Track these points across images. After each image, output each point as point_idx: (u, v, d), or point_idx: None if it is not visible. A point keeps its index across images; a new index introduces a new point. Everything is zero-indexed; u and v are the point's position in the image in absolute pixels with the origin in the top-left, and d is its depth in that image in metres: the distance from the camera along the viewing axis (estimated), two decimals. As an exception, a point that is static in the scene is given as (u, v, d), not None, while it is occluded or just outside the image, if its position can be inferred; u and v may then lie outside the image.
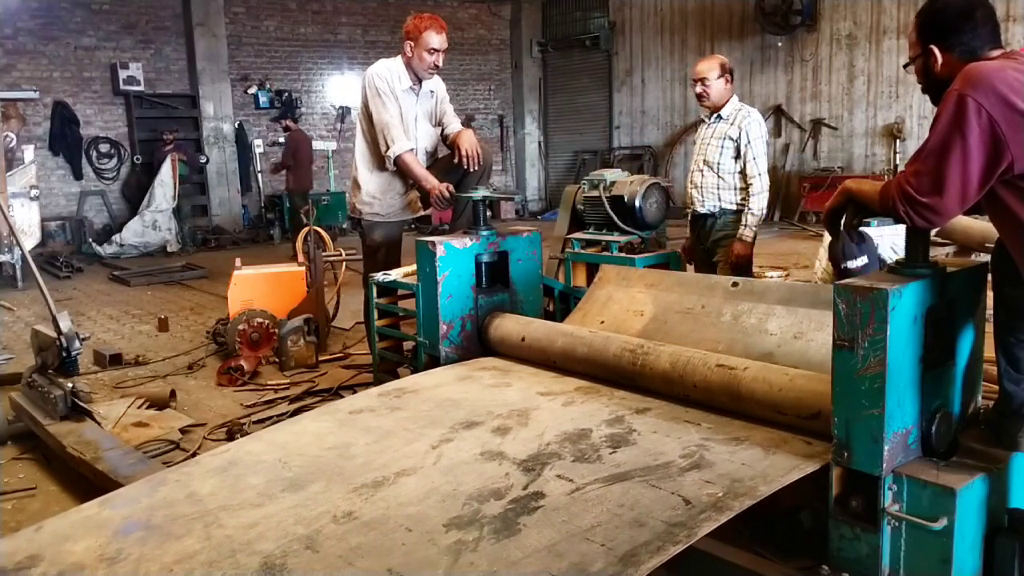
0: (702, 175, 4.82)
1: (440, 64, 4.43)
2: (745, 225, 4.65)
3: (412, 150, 4.41)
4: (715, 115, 4.82)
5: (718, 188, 4.77)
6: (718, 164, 4.74)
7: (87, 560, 2.22)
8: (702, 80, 4.78)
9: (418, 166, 4.43)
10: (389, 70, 4.42)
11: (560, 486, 2.39)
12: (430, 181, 4.33)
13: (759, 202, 4.65)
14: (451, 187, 4.29)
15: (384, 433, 2.92)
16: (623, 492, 2.32)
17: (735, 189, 4.74)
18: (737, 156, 4.69)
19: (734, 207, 4.74)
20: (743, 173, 4.69)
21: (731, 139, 4.70)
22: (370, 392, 3.40)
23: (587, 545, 2.07)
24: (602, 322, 3.65)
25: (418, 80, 4.48)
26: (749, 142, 4.65)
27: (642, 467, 2.45)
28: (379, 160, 4.52)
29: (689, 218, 5.01)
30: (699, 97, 4.84)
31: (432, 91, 4.60)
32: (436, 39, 4.34)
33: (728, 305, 3.31)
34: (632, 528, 2.13)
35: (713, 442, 2.58)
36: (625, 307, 3.65)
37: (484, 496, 2.36)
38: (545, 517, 2.23)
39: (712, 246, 4.84)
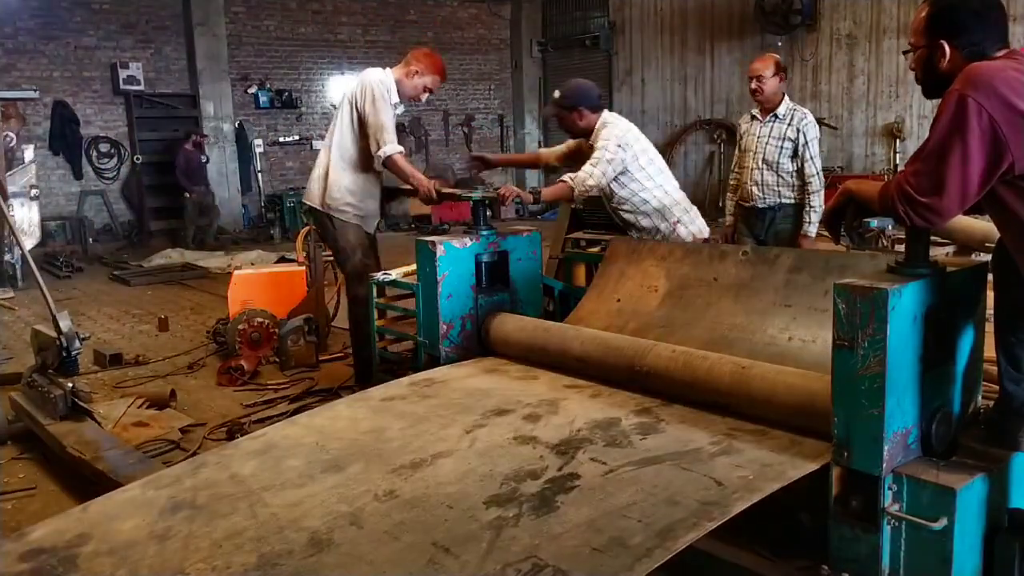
0: (761, 173, 5.12)
1: (422, 100, 4.76)
2: (809, 222, 5.00)
3: (403, 152, 4.49)
4: (770, 115, 5.10)
5: (778, 185, 5.09)
6: (777, 163, 5.06)
7: (137, 538, 2.27)
8: (757, 77, 5.06)
9: (409, 165, 4.51)
10: (386, 81, 4.51)
11: (594, 468, 2.45)
12: (419, 178, 4.42)
13: (819, 199, 5.00)
14: (440, 186, 4.36)
15: (418, 419, 2.98)
16: (656, 474, 2.38)
17: (792, 186, 5.07)
18: (794, 155, 5.02)
19: (792, 201, 5.08)
20: (800, 171, 5.02)
21: (790, 139, 5.02)
22: (400, 381, 3.46)
23: (625, 521, 2.13)
24: (618, 300, 3.68)
25: (401, 98, 4.61)
26: (807, 142, 4.99)
27: (673, 452, 2.52)
28: (364, 161, 4.55)
29: (740, 209, 5.33)
30: (753, 93, 5.14)
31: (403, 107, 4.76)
32: (438, 84, 4.64)
33: (742, 276, 3.33)
34: (667, 506, 2.19)
35: (740, 432, 2.63)
36: (639, 283, 3.66)
37: (520, 476, 2.44)
38: (582, 496, 2.29)
39: (771, 238, 5.12)
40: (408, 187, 4.50)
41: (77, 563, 2.17)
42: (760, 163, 5.10)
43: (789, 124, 5.01)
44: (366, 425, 2.98)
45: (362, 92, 4.45)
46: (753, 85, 5.07)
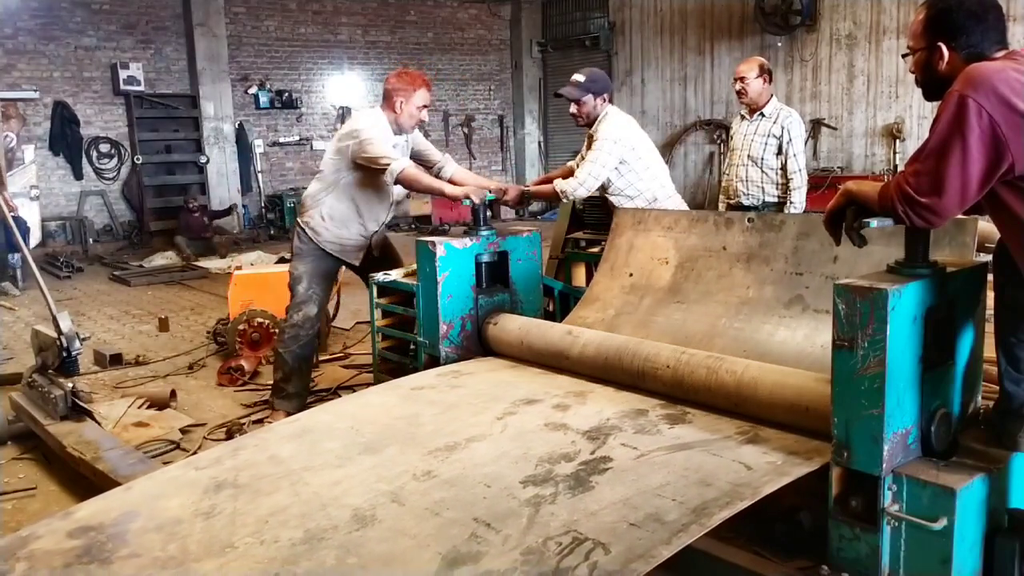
0: (747, 170, 5.21)
1: (425, 119, 4.39)
2: None
3: (413, 165, 4.20)
4: (757, 113, 5.21)
5: (762, 182, 5.19)
6: (762, 159, 5.15)
7: (183, 515, 2.33)
8: (741, 79, 5.19)
9: (425, 175, 4.23)
10: (382, 120, 4.25)
11: (625, 452, 2.52)
12: (450, 188, 4.12)
13: (800, 196, 5.10)
14: (482, 192, 4.01)
15: (448, 406, 3.05)
16: (686, 458, 2.45)
17: (776, 183, 5.15)
18: (779, 152, 5.12)
19: (775, 199, 5.17)
20: (784, 168, 5.11)
21: (775, 136, 5.11)
22: (428, 372, 3.52)
23: (659, 500, 2.20)
24: (631, 275, 3.72)
25: (399, 132, 4.32)
26: (791, 140, 5.08)
27: (701, 440, 2.58)
28: (343, 194, 4.32)
29: (726, 207, 5.41)
30: (739, 94, 5.27)
31: (407, 139, 4.44)
32: (426, 96, 4.28)
33: (750, 244, 3.35)
34: (699, 487, 2.26)
35: (765, 424, 2.68)
36: (649, 254, 3.70)
37: (555, 459, 2.50)
38: (616, 477, 2.36)
39: None
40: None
41: (127, 539, 2.22)
42: (746, 159, 5.20)
43: (775, 122, 5.12)
44: (398, 411, 3.05)
45: (346, 137, 4.23)
46: (738, 87, 5.21)
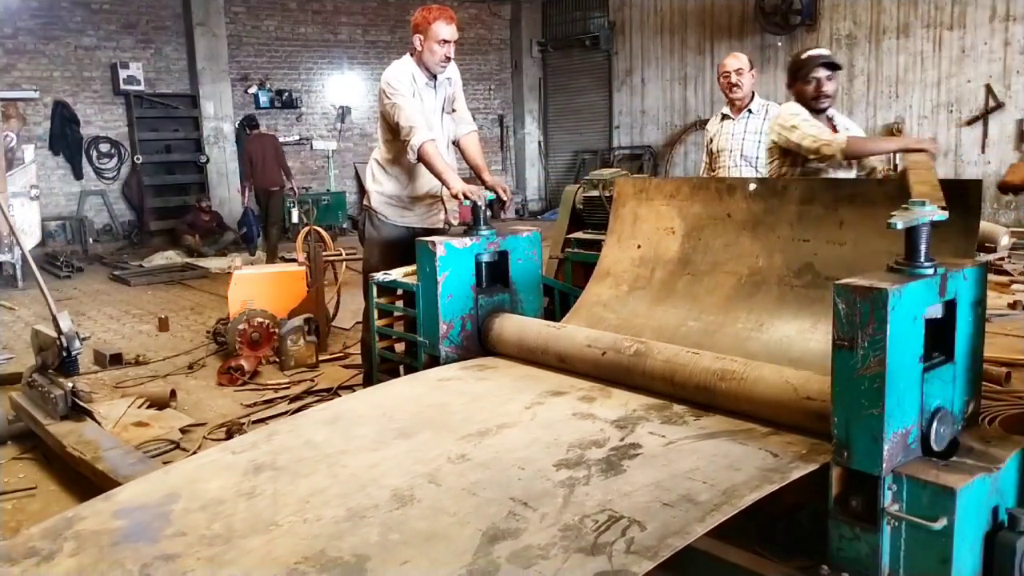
0: (740, 170, 5.03)
1: (451, 56, 4.24)
2: None
3: (434, 140, 4.13)
4: (744, 111, 5.05)
5: None
6: (756, 157, 4.97)
7: (224, 496, 2.37)
8: (736, 71, 5.02)
9: (441, 158, 4.12)
10: (404, 69, 4.22)
11: (654, 440, 2.56)
12: (451, 178, 4.01)
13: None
14: (482, 191, 3.96)
15: (476, 396, 3.09)
16: (714, 446, 2.49)
17: None
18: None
19: None
20: None
21: (767, 133, 4.89)
22: (451, 366, 3.56)
23: (690, 483, 2.24)
24: (639, 246, 3.72)
25: (432, 76, 4.27)
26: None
27: (727, 430, 2.61)
28: (394, 163, 4.35)
29: None
30: (732, 89, 5.05)
31: (449, 78, 4.40)
32: (446, 30, 4.17)
33: (754, 211, 3.33)
34: (729, 471, 2.30)
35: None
36: (654, 224, 3.69)
37: (585, 444, 2.55)
38: (646, 461, 2.41)
39: None
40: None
41: (171, 519, 2.26)
42: (738, 159, 5.04)
43: (764, 118, 4.96)
44: (427, 400, 3.10)
45: (379, 96, 4.21)
46: (733, 79, 5.01)
